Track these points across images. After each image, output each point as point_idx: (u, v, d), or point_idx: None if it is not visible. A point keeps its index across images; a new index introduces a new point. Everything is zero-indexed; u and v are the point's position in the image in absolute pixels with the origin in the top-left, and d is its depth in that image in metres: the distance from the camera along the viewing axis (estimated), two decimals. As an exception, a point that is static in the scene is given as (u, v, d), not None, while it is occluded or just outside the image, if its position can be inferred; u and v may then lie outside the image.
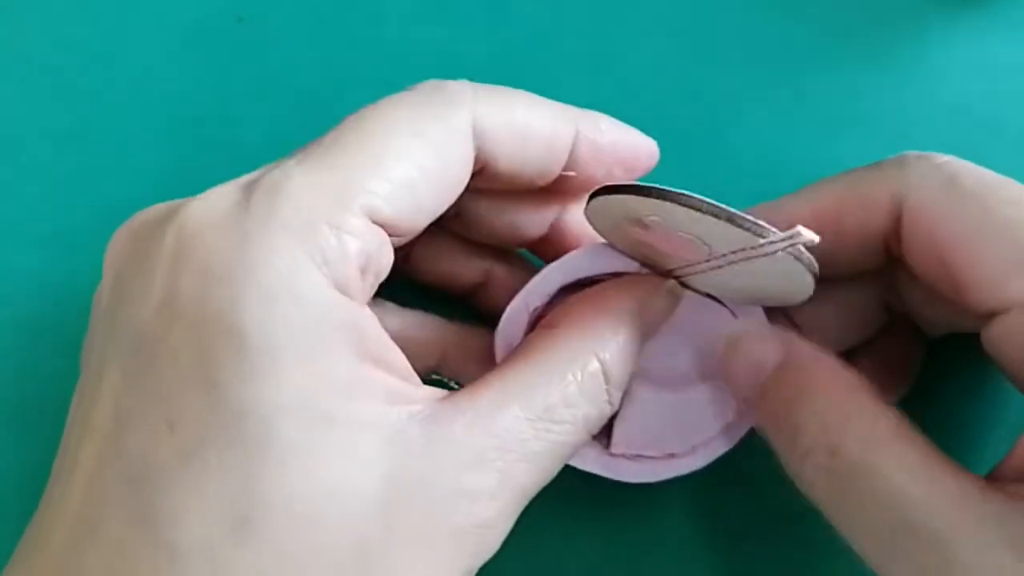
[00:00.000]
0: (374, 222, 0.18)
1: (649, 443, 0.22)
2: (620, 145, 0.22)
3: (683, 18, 0.29)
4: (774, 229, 0.18)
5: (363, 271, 0.18)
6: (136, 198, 0.27)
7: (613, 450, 0.22)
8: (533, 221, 0.23)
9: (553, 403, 0.18)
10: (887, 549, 0.18)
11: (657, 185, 0.19)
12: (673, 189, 0.18)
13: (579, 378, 0.19)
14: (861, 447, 0.18)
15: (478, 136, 0.20)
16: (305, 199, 0.17)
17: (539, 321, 0.22)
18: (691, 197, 0.18)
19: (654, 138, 0.28)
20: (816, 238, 0.17)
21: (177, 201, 0.18)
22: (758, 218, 0.18)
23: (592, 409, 0.19)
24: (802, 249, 0.18)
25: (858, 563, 0.18)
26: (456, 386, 0.18)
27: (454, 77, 0.29)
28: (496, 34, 0.29)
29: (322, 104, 0.28)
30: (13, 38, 0.29)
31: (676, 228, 0.19)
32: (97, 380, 0.17)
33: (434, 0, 0.29)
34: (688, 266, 0.21)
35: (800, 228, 0.17)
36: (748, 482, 0.24)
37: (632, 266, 0.22)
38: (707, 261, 0.20)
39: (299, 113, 0.28)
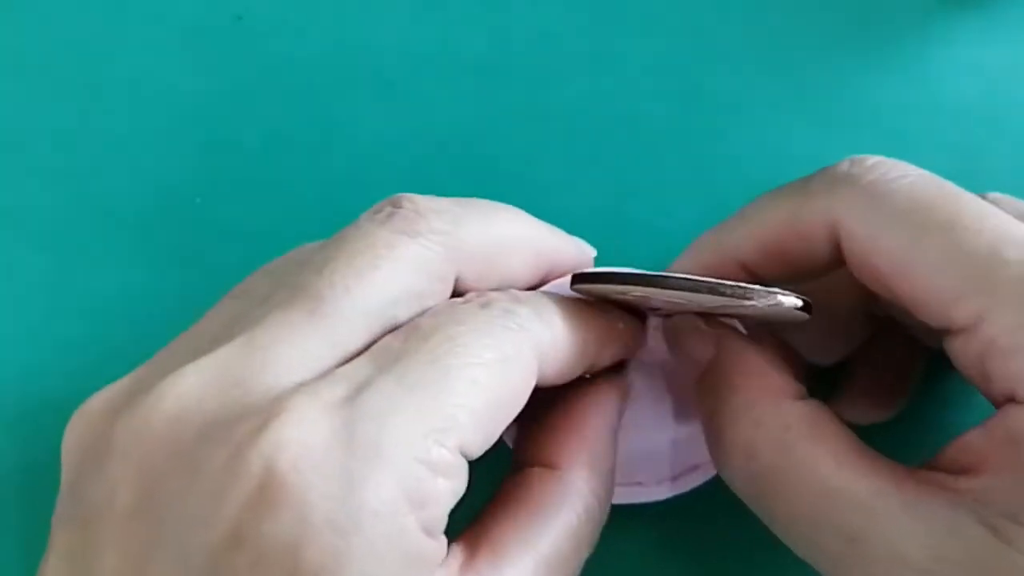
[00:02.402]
0: (462, 453, 0.17)
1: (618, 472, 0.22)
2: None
3: (683, 18, 0.29)
4: (756, 287, 0.18)
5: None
6: (136, 197, 0.28)
7: None
8: None
9: (560, 544, 0.18)
10: (810, 544, 0.18)
11: (633, 271, 0.19)
12: (650, 273, 0.18)
13: (582, 518, 0.19)
14: (773, 450, 0.18)
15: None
16: (407, 434, 0.16)
17: None
18: (668, 278, 0.18)
19: (655, 138, 0.28)
20: (799, 302, 0.18)
21: (247, 386, 0.16)
22: (707, 262, 0.20)
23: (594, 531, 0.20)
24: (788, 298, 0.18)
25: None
26: None
27: (454, 77, 0.29)
28: (496, 34, 0.29)
29: (321, 103, 0.28)
30: (13, 38, 0.29)
31: (661, 297, 0.19)
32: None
33: (434, 0, 0.29)
34: (679, 310, 0.21)
35: (779, 296, 0.18)
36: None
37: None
38: (697, 310, 0.20)
39: (298, 112, 0.28)
